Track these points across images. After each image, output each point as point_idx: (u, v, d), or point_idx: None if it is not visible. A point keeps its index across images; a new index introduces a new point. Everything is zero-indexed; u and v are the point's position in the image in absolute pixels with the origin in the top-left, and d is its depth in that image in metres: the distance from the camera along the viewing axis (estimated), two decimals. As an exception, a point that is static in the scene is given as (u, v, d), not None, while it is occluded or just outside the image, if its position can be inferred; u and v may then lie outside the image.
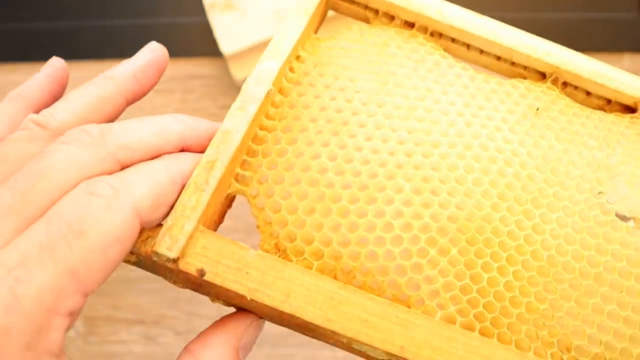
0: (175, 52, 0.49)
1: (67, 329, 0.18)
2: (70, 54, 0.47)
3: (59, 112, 0.20)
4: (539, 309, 0.21)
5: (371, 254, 0.21)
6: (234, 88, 0.48)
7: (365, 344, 0.19)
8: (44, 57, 0.46)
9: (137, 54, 0.22)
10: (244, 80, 0.44)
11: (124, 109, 0.22)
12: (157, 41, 0.23)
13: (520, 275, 0.21)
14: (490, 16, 0.26)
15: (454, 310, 0.20)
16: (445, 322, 0.20)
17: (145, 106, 0.48)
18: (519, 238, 0.22)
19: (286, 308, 0.19)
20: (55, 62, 0.22)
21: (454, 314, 0.20)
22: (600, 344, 0.21)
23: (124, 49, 0.47)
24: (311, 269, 0.20)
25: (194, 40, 0.49)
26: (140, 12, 0.49)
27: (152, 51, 0.22)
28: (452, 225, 0.22)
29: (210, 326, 0.21)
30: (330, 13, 0.27)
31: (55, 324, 0.17)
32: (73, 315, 0.18)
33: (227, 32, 0.44)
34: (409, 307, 0.20)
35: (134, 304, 0.46)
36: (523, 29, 0.26)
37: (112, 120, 0.21)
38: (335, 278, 0.21)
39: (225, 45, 0.44)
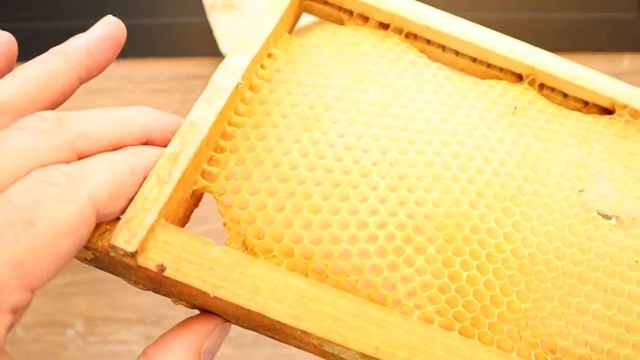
0: (175, 52, 0.48)
1: (10, 327, 0.16)
2: (70, 54, 0.47)
3: (3, 87, 0.19)
4: (521, 308, 0.20)
5: (344, 253, 0.20)
6: (234, 88, 0.48)
7: (338, 345, 0.18)
8: (43, 58, 0.46)
9: (91, 28, 0.21)
10: None
11: (77, 87, 0.20)
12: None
13: (500, 273, 0.20)
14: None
15: (432, 310, 0.19)
16: (423, 322, 0.19)
17: (145, 105, 0.47)
18: (499, 235, 0.21)
19: (252, 306, 0.18)
20: (1, 36, 0.21)
21: (432, 314, 0.19)
22: (586, 344, 0.20)
23: (124, 49, 0.47)
24: (281, 267, 0.19)
25: (194, 40, 0.48)
26: (140, 12, 0.49)
27: (108, 24, 0.21)
28: (429, 223, 0.21)
29: (172, 329, 0.19)
30: (307, 21, 0.27)
31: None
32: (17, 312, 0.16)
33: (227, 32, 0.44)
34: (385, 307, 0.19)
35: (134, 303, 0.45)
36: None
37: (64, 98, 0.20)
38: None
39: (225, 45, 0.44)
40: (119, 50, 0.21)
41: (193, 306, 0.20)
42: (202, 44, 0.48)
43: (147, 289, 0.20)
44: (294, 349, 0.44)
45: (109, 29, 0.21)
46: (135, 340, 0.45)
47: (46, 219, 0.16)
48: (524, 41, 0.26)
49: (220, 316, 0.20)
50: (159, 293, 0.20)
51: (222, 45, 0.44)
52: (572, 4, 0.48)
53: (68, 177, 0.17)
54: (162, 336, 0.19)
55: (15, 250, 0.15)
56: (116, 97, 0.48)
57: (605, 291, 0.20)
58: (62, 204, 0.16)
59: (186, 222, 0.21)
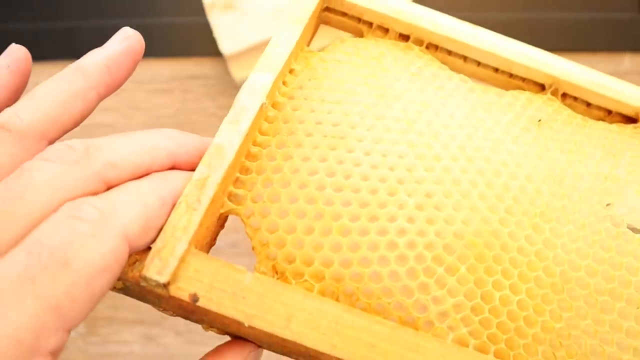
0: (175, 52, 0.48)
1: None
2: (70, 54, 0.46)
3: (24, 111, 0.18)
4: (554, 327, 0.20)
5: (375, 275, 0.20)
6: (234, 88, 0.48)
7: (374, 372, 0.18)
8: (44, 57, 0.46)
9: (109, 41, 0.20)
10: (244, 80, 0.44)
11: (96, 105, 0.20)
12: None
13: (533, 292, 0.20)
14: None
15: (465, 332, 0.19)
16: (458, 345, 0.19)
17: (145, 105, 0.47)
18: (530, 254, 0.21)
19: (287, 334, 0.18)
20: (15, 52, 0.19)
21: (467, 336, 0.19)
22: (621, 363, 0.20)
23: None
24: (312, 292, 0.19)
25: (194, 40, 0.48)
26: (140, 12, 0.48)
27: (127, 38, 0.20)
28: (458, 242, 0.20)
29: (204, 357, 0.19)
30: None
31: None
32: (55, 354, 0.16)
33: (227, 32, 0.44)
34: (417, 330, 0.19)
35: (135, 304, 0.45)
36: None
37: (83, 118, 0.19)
38: (337, 301, 0.19)
39: (225, 45, 0.44)
40: (137, 64, 0.20)
41: (224, 332, 0.20)
42: (202, 44, 0.48)
43: (177, 316, 0.20)
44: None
45: (128, 44, 0.20)
46: (136, 340, 0.45)
47: (80, 259, 0.16)
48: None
49: (253, 342, 0.19)
50: (189, 319, 0.20)
51: (222, 45, 0.44)
52: (572, 4, 0.48)
53: (100, 212, 0.17)
54: None
55: (52, 294, 0.15)
56: (116, 97, 0.47)
57: (638, 307, 0.20)
58: (96, 242, 0.16)
59: (212, 245, 0.21)
